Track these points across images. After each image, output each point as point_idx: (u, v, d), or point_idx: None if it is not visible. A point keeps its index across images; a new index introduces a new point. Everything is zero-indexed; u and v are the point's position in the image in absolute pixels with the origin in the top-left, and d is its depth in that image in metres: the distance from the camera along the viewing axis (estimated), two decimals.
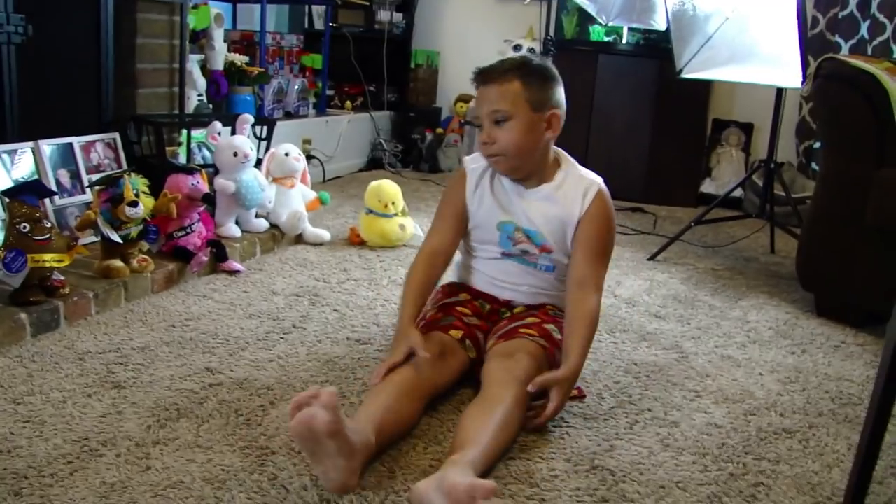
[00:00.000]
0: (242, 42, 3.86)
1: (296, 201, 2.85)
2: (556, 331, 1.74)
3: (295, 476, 1.35)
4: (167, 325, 2.00)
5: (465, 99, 4.77)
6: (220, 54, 3.30)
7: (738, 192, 3.82)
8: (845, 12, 3.82)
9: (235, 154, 2.60)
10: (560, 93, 1.74)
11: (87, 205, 2.35)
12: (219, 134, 2.64)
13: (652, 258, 3.01)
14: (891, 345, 1.22)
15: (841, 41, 3.86)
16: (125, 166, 2.59)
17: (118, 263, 2.14)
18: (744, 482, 1.44)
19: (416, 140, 4.66)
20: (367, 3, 4.72)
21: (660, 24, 3.92)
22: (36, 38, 2.28)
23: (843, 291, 2.37)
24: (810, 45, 3.84)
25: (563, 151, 1.82)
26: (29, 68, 2.31)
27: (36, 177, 2.30)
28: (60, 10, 2.45)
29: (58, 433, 1.44)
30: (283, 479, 1.34)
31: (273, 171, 2.82)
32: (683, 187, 4.20)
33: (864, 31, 3.77)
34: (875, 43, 3.71)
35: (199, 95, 3.16)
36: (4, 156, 2.23)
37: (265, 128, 2.98)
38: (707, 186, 4.25)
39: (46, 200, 2.24)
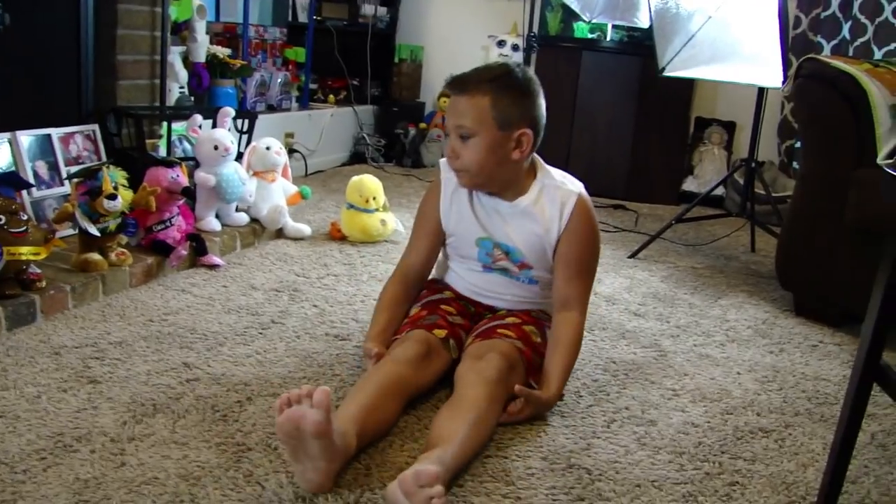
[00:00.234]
0: (225, 34, 3.82)
1: (277, 195, 2.84)
2: (535, 333, 1.72)
3: (271, 473, 1.34)
4: (145, 319, 1.98)
5: (448, 94, 4.75)
6: (203, 46, 3.27)
7: (719, 191, 3.83)
8: (827, 13, 3.84)
9: (216, 147, 2.59)
10: (537, 108, 1.64)
11: (65, 197, 2.33)
12: (200, 127, 2.62)
13: (633, 256, 3.02)
14: (865, 345, 1.23)
15: (823, 41, 3.89)
16: (104, 158, 2.56)
17: (96, 257, 2.12)
18: (719, 481, 1.45)
19: (399, 135, 4.64)
20: None
21: (643, 21, 3.94)
22: (14, 27, 2.25)
23: (822, 291, 2.39)
24: (793, 45, 3.87)
25: (538, 157, 1.74)
26: (7, 58, 2.28)
27: (13, 168, 2.27)
28: None
29: (31, 428, 1.42)
30: (259, 476, 1.33)
31: (254, 164, 2.81)
32: (665, 185, 4.21)
33: (845, 31, 3.80)
34: (856, 44, 3.74)
35: (181, 88, 3.13)
36: None
37: (246, 121, 2.96)
38: (689, 184, 4.26)
39: (23, 192, 2.22)
